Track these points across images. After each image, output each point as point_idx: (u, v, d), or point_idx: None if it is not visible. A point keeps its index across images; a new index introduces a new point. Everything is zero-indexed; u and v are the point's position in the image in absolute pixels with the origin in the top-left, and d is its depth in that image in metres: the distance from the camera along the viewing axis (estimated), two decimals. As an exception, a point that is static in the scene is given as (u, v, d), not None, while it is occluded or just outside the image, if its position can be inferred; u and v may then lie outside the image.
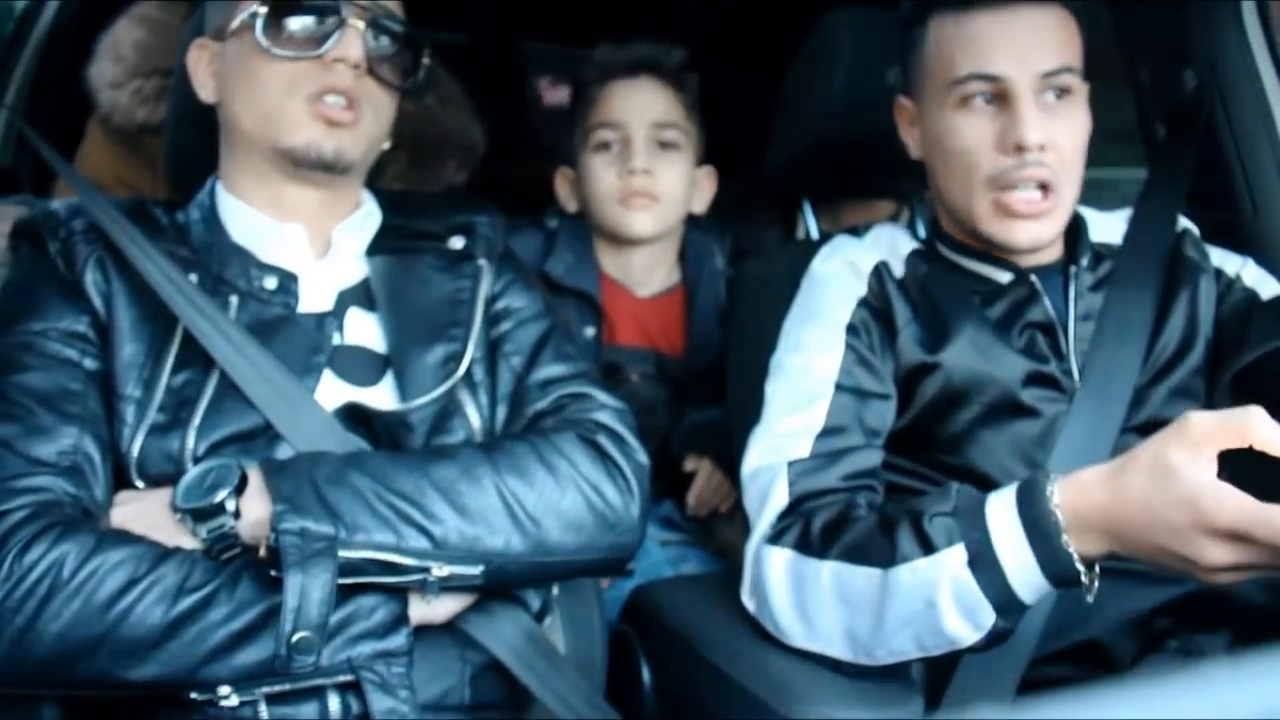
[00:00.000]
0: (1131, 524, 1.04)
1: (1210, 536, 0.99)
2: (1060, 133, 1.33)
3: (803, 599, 1.22)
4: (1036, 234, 1.36)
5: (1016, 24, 1.33)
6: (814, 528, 1.23)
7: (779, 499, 1.28)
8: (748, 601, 1.30)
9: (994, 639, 1.13)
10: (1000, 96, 1.33)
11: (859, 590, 1.18)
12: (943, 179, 1.40)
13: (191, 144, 1.42)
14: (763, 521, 1.28)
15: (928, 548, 1.13)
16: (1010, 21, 1.33)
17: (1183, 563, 1.02)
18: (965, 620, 1.12)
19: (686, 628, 1.38)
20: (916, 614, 1.13)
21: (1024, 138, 1.30)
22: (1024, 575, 1.10)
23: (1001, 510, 1.12)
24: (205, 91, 1.34)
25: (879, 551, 1.17)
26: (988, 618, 1.11)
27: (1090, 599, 1.10)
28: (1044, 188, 1.33)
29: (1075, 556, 1.07)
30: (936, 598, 1.12)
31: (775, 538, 1.25)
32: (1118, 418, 1.35)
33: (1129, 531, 1.05)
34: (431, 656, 1.19)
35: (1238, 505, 0.98)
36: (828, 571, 1.20)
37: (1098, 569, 1.09)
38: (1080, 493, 1.08)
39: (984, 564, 1.10)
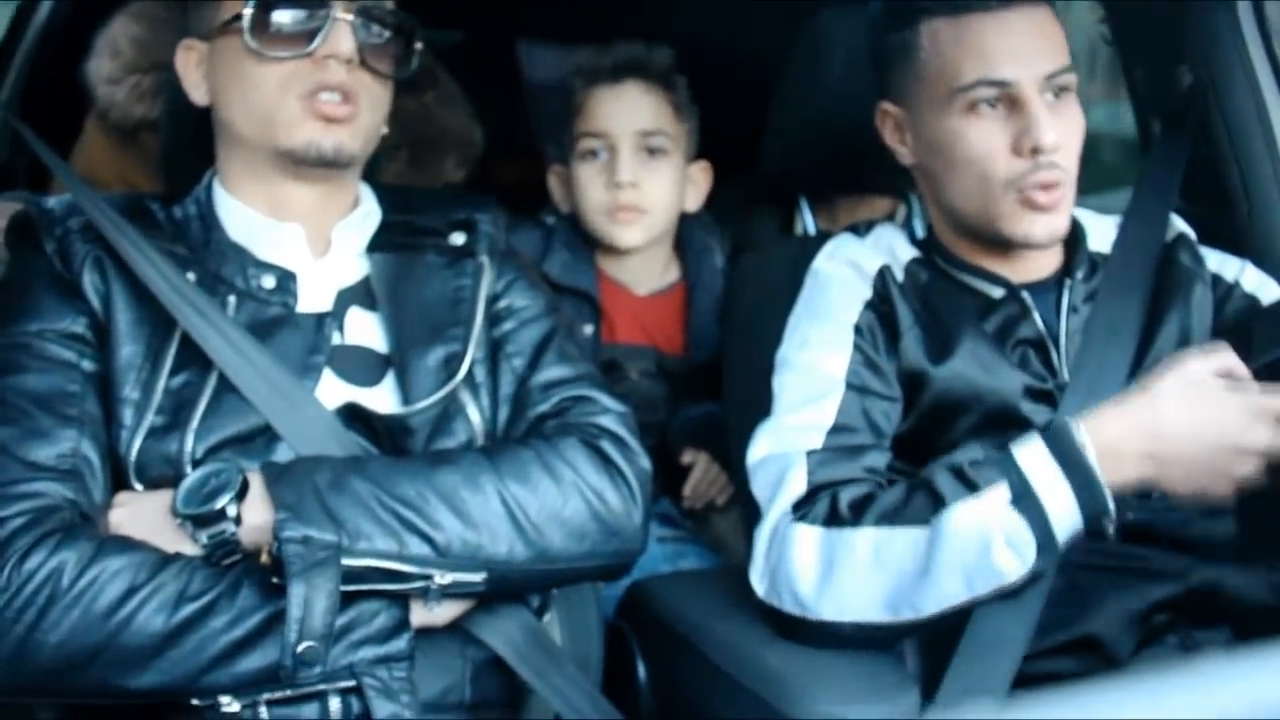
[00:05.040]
0: (1173, 433, 1.18)
1: (1261, 419, 1.16)
2: (1066, 131, 1.33)
3: (835, 572, 1.22)
4: (1054, 227, 1.36)
5: (1015, 25, 1.32)
6: (841, 504, 1.25)
7: (796, 486, 1.28)
8: (759, 584, 1.29)
9: (1032, 579, 1.18)
10: (1007, 100, 1.32)
11: (901, 551, 1.21)
12: (949, 186, 1.39)
13: (187, 141, 1.41)
14: (777, 507, 1.28)
15: (974, 489, 1.19)
16: (1009, 23, 1.32)
17: (1230, 455, 1.17)
18: (1014, 555, 1.18)
19: (682, 623, 1.38)
20: (969, 553, 1.18)
21: (1041, 141, 1.30)
22: (1061, 509, 1.17)
23: (1033, 451, 1.20)
24: (197, 93, 1.32)
25: (919, 509, 1.21)
26: (1031, 552, 1.17)
27: (1112, 531, 1.19)
28: (1055, 183, 1.34)
29: (1107, 487, 1.17)
30: (989, 533, 1.17)
31: (801, 517, 1.26)
32: None
33: (1170, 442, 1.18)
34: (432, 655, 1.19)
35: None
36: (865, 539, 1.22)
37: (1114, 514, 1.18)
38: (1108, 423, 1.20)
39: (1025, 501, 1.18)
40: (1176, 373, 1.21)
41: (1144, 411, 1.20)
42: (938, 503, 1.20)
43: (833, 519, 1.24)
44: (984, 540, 1.17)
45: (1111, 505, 1.17)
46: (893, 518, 1.22)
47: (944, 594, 1.19)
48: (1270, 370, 1.21)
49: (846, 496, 1.25)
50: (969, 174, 1.35)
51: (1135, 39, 1.88)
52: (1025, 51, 1.32)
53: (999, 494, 1.18)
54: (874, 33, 1.45)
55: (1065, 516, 1.18)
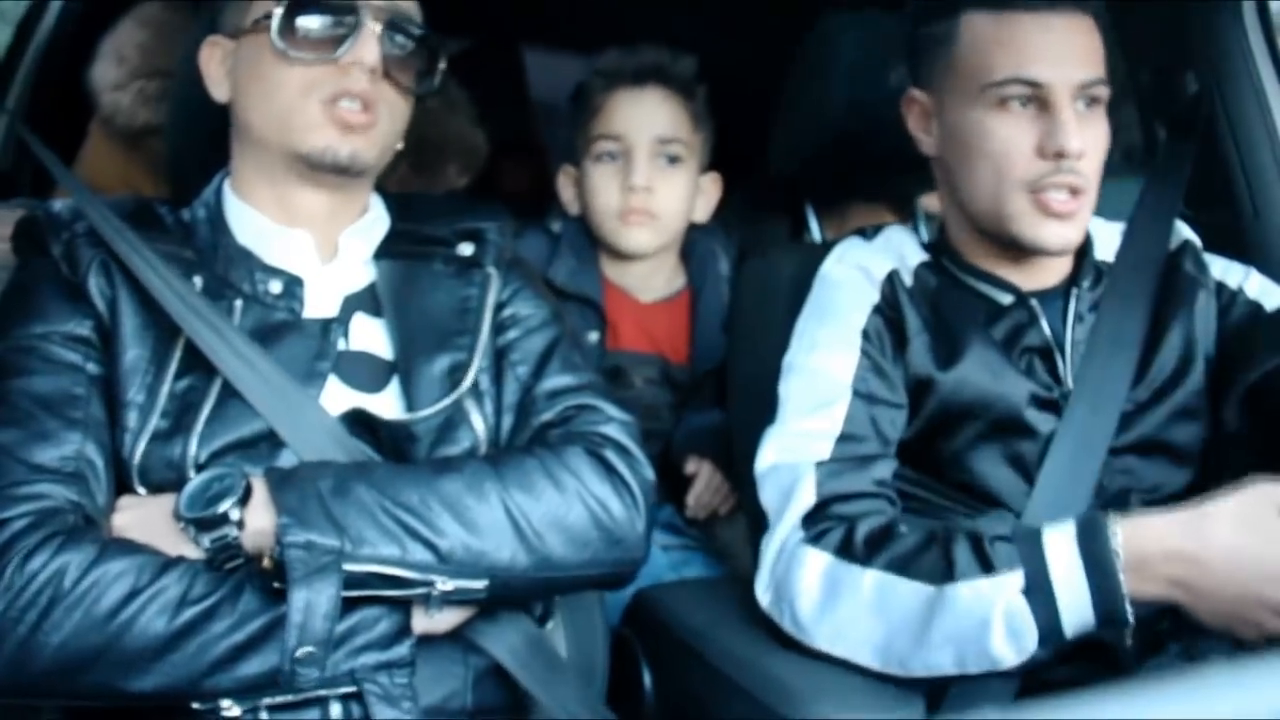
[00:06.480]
0: (1213, 570, 1.11)
1: None
2: (1091, 141, 1.33)
3: (836, 604, 1.22)
4: (1067, 236, 1.35)
5: (1056, 29, 1.32)
6: (858, 535, 1.23)
7: (805, 498, 1.28)
8: (763, 595, 1.29)
9: (1029, 665, 1.15)
10: (1038, 101, 1.32)
11: (903, 603, 1.19)
12: (966, 179, 1.38)
13: (192, 146, 1.42)
14: (786, 519, 1.28)
15: (988, 568, 1.16)
16: (1051, 26, 1.32)
17: (1263, 609, 1.10)
18: (1011, 644, 1.14)
19: (688, 631, 1.38)
20: (966, 632, 1.15)
21: (1066, 146, 1.29)
22: (1075, 609, 1.14)
23: (1060, 542, 1.16)
24: (219, 90, 1.33)
25: (931, 566, 1.18)
26: (1031, 644, 1.14)
27: (1129, 643, 1.15)
28: (1074, 191, 1.33)
29: (1128, 598, 1.12)
30: (991, 618, 1.14)
31: (814, 539, 1.25)
32: (1107, 432, 1.35)
33: (1207, 578, 1.11)
34: (434, 661, 1.19)
35: None
36: (870, 580, 1.21)
37: (1131, 623, 1.13)
38: (1149, 536, 1.14)
39: (1038, 593, 1.14)
40: (1242, 494, 1.14)
41: (1190, 534, 1.13)
42: (950, 568, 1.17)
43: (845, 549, 1.23)
44: (984, 624, 1.14)
45: (1130, 616, 1.13)
46: (903, 566, 1.20)
47: (933, 661, 1.18)
48: (1271, 378, 1.19)
49: (864, 528, 1.24)
50: (987, 169, 1.35)
51: (1140, 44, 1.88)
52: (1062, 56, 1.31)
53: (1012, 580, 1.15)
54: (913, 21, 1.45)
55: (1077, 615, 1.14)
